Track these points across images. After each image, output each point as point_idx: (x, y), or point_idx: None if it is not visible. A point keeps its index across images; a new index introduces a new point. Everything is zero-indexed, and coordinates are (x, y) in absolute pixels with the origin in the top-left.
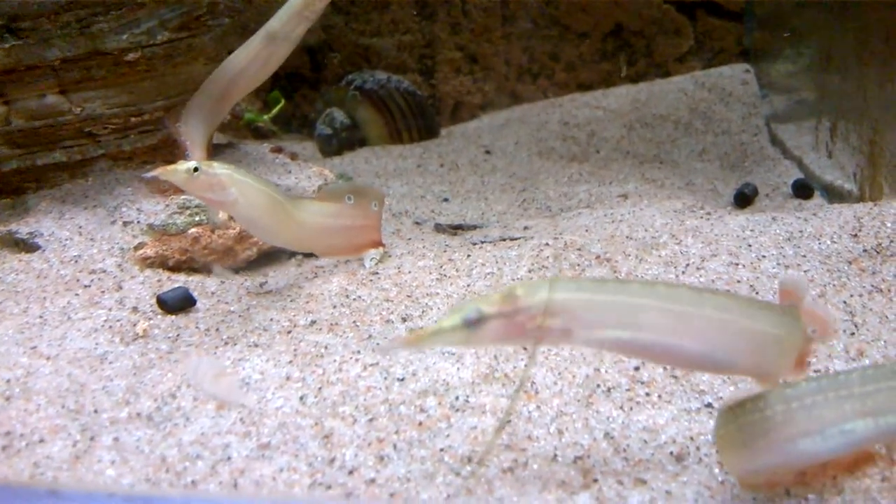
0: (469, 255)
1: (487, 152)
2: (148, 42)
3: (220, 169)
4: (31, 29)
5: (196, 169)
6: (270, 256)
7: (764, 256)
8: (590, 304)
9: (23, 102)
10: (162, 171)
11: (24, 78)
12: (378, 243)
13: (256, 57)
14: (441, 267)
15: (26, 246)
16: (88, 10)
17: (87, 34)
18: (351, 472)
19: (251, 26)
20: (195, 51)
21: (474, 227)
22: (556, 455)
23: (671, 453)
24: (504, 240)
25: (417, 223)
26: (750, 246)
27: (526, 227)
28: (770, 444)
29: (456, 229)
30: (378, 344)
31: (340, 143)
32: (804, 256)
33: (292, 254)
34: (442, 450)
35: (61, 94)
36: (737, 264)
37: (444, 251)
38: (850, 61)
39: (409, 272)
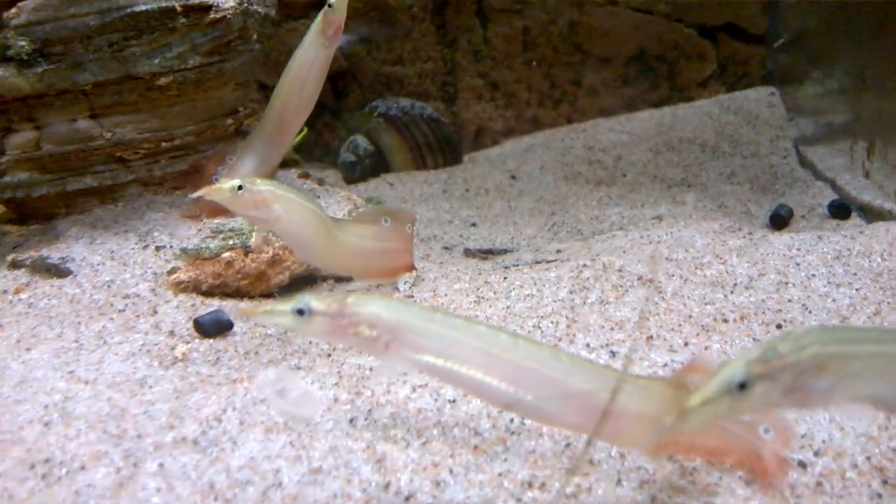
0: (506, 278)
1: (513, 177)
2: (179, 66)
3: (263, 185)
4: (62, 53)
5: (240, 187)
6: (303, 281)
7: (814, 275)
8: (411, 327)
9: (53, 127)
10: (206, 191)
11: (54, 102)
12: (410, 267)
13: (291, 88)
14: (478, 290)
15: (58, 271)
16: (120, 34)
17: (118, 58)
18: (407, 499)
19: (273, 55)
20: (225, 75)
21: (505, 252)
22: (620, 479)
23: (739, 477)
24: (538, 262)
25: (447, 248)
26: (798, 265)
27: (559, 251)
28: None
29: (486, 254)
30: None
31: (364, 169)
32: (855, 275)
33: (324, 278)
34: (500, 474)
35: (92, 119)
36: (786, 283)
37: (479, 274)
38: (888, 81)
39: (446, 295)
